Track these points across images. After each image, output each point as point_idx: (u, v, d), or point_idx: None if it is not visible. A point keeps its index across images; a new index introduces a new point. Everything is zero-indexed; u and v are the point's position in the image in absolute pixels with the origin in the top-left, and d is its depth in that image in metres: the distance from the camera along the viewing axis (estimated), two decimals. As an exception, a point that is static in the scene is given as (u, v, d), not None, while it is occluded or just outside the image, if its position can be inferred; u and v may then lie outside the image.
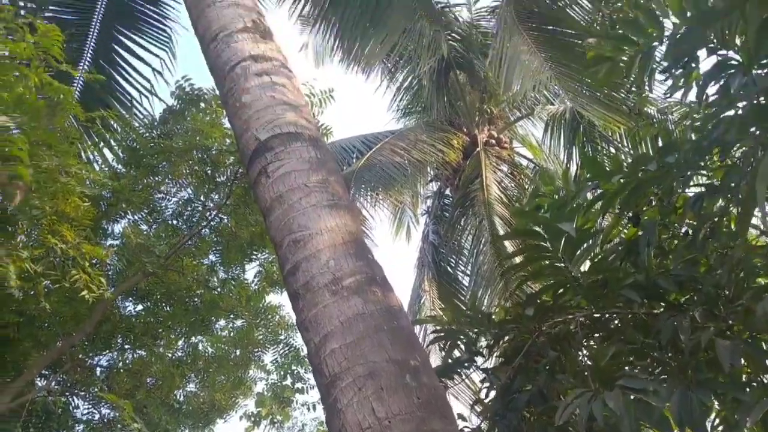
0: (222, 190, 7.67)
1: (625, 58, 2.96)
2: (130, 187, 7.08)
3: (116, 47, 7.74)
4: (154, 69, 7.63)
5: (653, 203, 3.05)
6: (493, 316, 3.08)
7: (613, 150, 8.58)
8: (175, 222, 7.94)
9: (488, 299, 7.52)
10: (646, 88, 3.77)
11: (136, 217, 7.73)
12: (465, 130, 10.75)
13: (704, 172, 2.87)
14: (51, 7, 7.69)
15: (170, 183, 7.78)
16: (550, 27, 7.29)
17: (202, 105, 7.50)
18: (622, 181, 2.56)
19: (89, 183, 5.56)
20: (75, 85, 7.02)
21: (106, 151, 7.10)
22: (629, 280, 2.56)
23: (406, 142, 10.16)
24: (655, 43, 2.82)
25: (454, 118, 10.74)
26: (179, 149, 7.19)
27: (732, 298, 2.43)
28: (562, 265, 2.74)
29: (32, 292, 5.32)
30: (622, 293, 2.49)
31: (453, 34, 9.50)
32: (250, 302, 8.59)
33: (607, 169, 2.67)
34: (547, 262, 2.77)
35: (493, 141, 10.63)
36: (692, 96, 2.84)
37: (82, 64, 7.49)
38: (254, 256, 8.55)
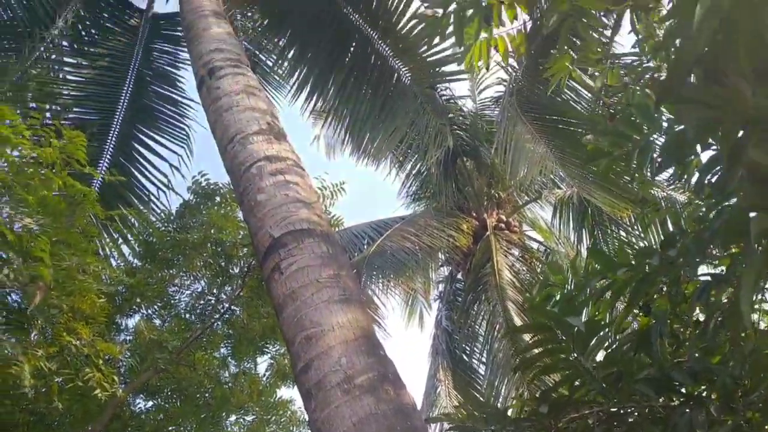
0: (235, 282, 7.75)
1: (624, 151, 3.07)
2: (144, 281, 7.17)
3: (136, 145, 8.07)
4: (171, 165, 7.92)
5: (663, 291, 3.07)
6: (510, 411, 3.03)
7: (623, 233, 8.62)
8: (187, 316, 7.97)
9: (505, 389, 7.36)
10: (648, 176, 3.87)
11: (149, 311, 7.78)
12: (474, 214, 10.90)
13: (710, 260, 2.91)
14: (75, 109, 8.09)
15: (184, 276, 7.88)
16: (553, 117, 7.56)
17: (218, 199, 7.72)
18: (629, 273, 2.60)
19: (106, 279, 5.66)
20: (95, 180, 7.30)
21: (122, 245, 7.26)
22: (643, 373, 2.54)
23: (416, 227, 10.29)
24: (653, 137, 2.94)
25: (463, 203, 10.91)
26: (194, 242, 7.34)
27: (748, 389, 2.41)
28: (575, 357, 2.73)
29: (44, 390, 5.29)
30: (637, 388, 2.46)
31: (458, 124, 9.84)
32: (261, 397, 8.43)
33: (615, 259, 2.72)
34: (562, 355, 2.76)
35: (503, 225, 10.73)
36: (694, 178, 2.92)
37: (102, 161, 7.80)
38: (266, 349, 8.48)
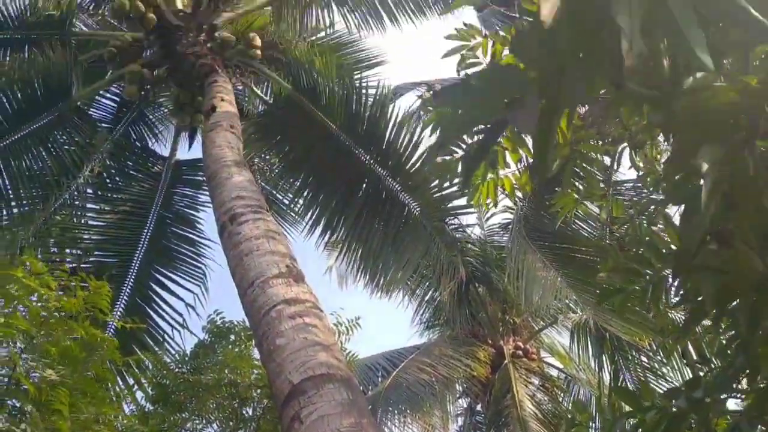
0: (248, 426, 7.51)
1: (638, 286, 3.13)
2: (157, 427, 6.97)
3: (153, 285, 8.18)
4: (187, 304, 7.97)
5: (693, 427, 2.99)
6: None
7: (644, 358, 8.43)
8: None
9: None
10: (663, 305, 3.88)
11: (161, 463, 7.47)
12: (490, 341, 10.75)
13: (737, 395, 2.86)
14: (96, 253, 8.31)
15: (196, 419, 7.66)
16: (563, 245, 7.69)
17: (232, 337, 7.71)
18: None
19: (120, 427, 5.53)
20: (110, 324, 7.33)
21: (136, 390, 7.14)
22: None
23: (432, 357, 10.12)
24: (665, 272, 3.00)
25: (478, 330, 10.80)
26: (207, 384, 7.22)
27: None
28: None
29: None
30: None
31: (469, 251, 9.99)
32: None
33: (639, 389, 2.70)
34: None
35: (520, 352, 10.55)
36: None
37: (119, 302, 7.87)
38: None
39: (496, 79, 1.23)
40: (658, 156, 4.26)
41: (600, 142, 4.04)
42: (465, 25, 3.57)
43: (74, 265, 7.73)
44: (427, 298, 11.34)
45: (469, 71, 3.92)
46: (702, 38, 0.76)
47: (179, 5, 7.31)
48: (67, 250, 8.26)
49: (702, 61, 0.76)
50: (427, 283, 10.77)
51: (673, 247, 3.10)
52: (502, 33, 3.36)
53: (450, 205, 7.83)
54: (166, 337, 7.73)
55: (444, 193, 7.64)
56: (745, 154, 1.11)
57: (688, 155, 1.13)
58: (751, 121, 1.10)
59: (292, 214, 8.91)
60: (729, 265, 1.22)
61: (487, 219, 11.72)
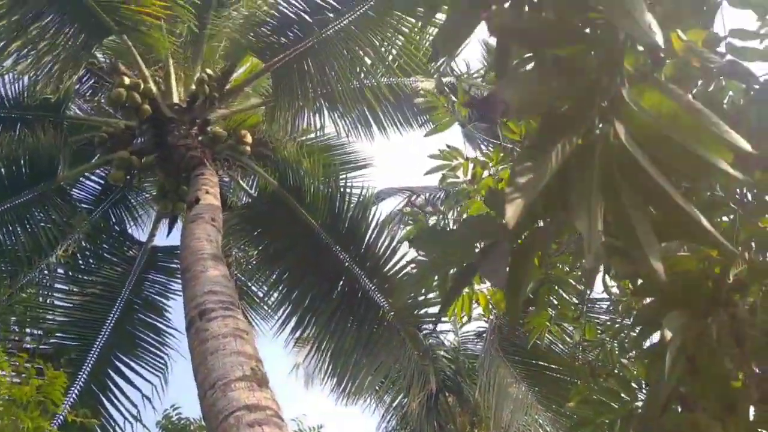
0: None
1: (608, 418, 3.10)
2: None
3: (111, 372, 7.86)
4: (143, 395, 7.64)
5: None
6: None
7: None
8: None
9: None
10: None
11: None
12: (457, 457, 10.32)
13: None
14: (57, 334, 8.02)
15: None
16: (538, 362, 7.63)
17: (187, 435, 7.36)
18: None
19: None
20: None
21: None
22: None
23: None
24: (636, 404, 2.99)
25: (446, 443, 10.38)
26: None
27: None
28: None
29: None
30: None
31: (441, 358, 9.81)
32: None
33: None
34: None
35: (489, 470, 10.14)
36: None
37: (74, 388, 7.51)
38: None
39: (471, 228, 1.27)
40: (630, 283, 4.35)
41: (574, 264, 4.13)
42: (448, 146, 3.72)
43: (33, 346, 7.44)
44: (395, 404, 10.96)
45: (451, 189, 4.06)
46: (658, 254, 0.82)
47: (175, 99, 7.54)
48: (28, 329, 7.97)
49: (658, 273, 0.81)
50: (396, 388, 10.47)
51: (642, 381, 3.11)
52: (482, 158, 3.51)
53: (424, 311, 7.80)
54: (117, 430, 7.35)
55: (419, 299, 7.63)
56: (708, 321, 1.15)
57: (655, 316, 1.16)
58: (713, 289, 1.14)
59: (265, 307, 8.78)
60: (693, 430, 1.23)
61: (461, 326, 11.58)
